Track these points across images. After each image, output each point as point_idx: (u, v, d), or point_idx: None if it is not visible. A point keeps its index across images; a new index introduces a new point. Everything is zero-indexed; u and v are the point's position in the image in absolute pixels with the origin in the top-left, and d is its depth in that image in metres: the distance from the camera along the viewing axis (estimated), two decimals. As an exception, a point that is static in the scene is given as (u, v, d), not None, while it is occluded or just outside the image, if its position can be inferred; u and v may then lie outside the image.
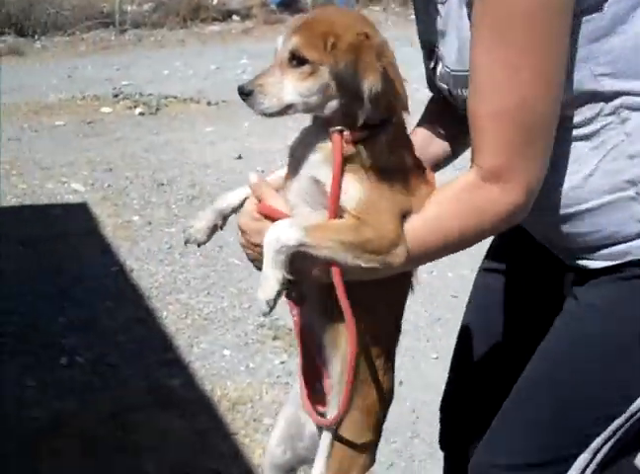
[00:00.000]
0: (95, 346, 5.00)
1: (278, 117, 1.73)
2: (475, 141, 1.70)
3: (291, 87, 1.71)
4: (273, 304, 1.72)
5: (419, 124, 2.34)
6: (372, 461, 2.32)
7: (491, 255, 2.57)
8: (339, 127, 1.72)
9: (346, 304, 1.76)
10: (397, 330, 2.12)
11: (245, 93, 1.72)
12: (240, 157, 8.16)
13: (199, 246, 1.99)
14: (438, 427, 3.94)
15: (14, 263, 5.96)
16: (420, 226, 1.76)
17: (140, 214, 6.82)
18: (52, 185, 7.33)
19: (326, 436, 2.17)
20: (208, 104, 10.24)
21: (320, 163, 1.76)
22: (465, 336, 2.64)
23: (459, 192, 1.74)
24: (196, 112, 9.97)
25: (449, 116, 2.22)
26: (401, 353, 5.11)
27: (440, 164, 2.29)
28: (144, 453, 4.08)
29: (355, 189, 1.71)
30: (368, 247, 1.71)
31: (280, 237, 1.68)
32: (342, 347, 1.91)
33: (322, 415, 2.09)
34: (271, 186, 1.89)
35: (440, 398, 2.72)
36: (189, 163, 7.96)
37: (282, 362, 4.77)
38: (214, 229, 1.99)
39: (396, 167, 1.76)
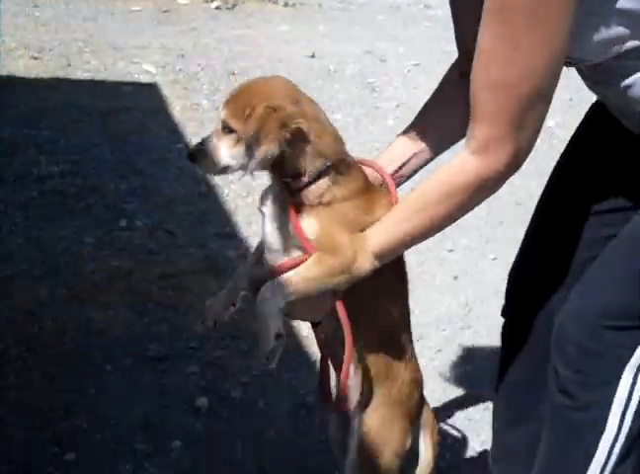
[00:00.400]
0: (154, 213, 5.01)
1: (223, 175, 2.07)
2: (473, 113, 1.79)
3: (224, 153, 1.98)
4: (272, 358, 2.03)
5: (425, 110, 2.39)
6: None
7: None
8: (286, 179, 2.01)
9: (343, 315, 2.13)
10: (404, 318, 2.38)
11: (192, 159, 2.04)
12: (313, 56, 8.03)
13: (215, 325, 2.33)
14: (489, 320, 3.90)
15: (79, 130, 5.95)
16: (402, 215, 2.01)
17: (209, 99, 6.77)
18: (124, 64, 7.31)
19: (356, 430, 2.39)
20: (285, 5, 10.06)
21: (278, 211, 2.08)
22: (543, 206, 2.62)
23: (443, 174, 1.94)
24: (272, 11, 9.82)
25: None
26: (459, 251, 5.09)
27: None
28: (193, 314, 4.06)
29: (309, 227, 1.99)
30: (335, 271, 2.00)
31: (266, 305, 2.00)
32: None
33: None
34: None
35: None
36: (261, 57, 7.86)
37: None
38: (231, 306, 2.32)
39: (345, 197, 2.02)
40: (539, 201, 2.61)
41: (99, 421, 3.39)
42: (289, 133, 1.91)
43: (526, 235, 2.63)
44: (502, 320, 2.78)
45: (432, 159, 2.28)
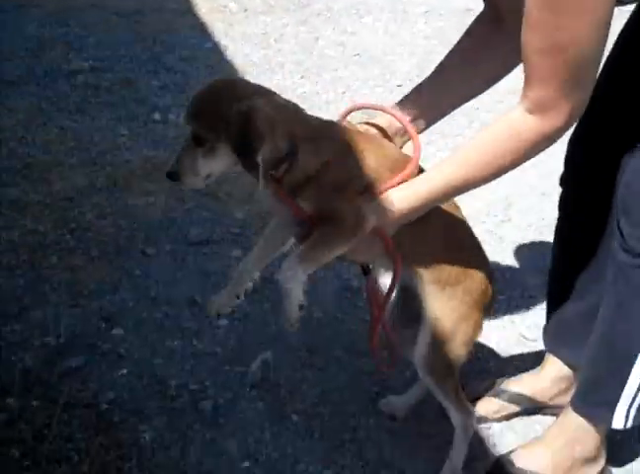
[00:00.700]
0: (187, 108, 4.89)
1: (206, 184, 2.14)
2: (526, 72, 1.88)
3: (201, 164, 2.03)
4: (296, 324, 2.20)
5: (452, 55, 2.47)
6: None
7: None
8: (271, 171, 2.04)
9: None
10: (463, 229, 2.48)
11: (173, 178, 2.09)
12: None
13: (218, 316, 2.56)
14: (529, 215, 3.84)
15: (107, 29, 5.85)
16: (456, 166, 2.15)
17: (236, 2, 6.60)
18: (150, -34, 7.13)
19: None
20: None
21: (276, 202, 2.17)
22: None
23: (498, 130, 2.03)
24: None
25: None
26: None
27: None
28: (233, 202, 4.02)
29: (305, 203, 2.10)
30: (341, 238, 2.14)
31: (288, 279, 2.12)
32: None
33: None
34: None
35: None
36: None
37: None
38: (236, 299, 2.44)
39: (329, 169, 2.12)
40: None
41: (145, 299, 3.37)
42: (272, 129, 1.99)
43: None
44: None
45: (452, 110, 2.44)
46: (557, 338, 2.83)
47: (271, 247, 2.49)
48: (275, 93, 2.20)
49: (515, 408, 2.91)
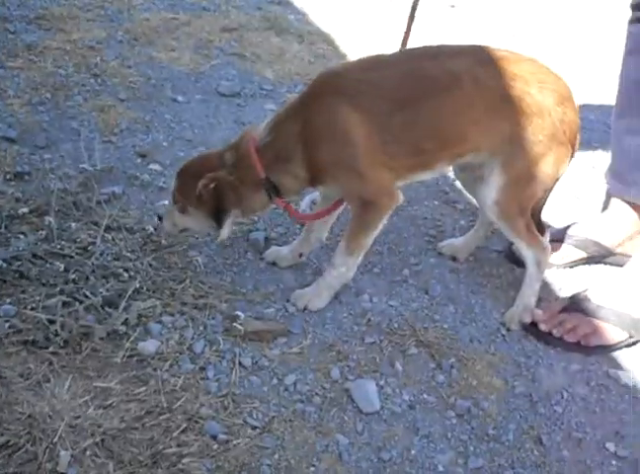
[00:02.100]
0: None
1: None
2: None
3: (176, 220, 2.44)
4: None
5: None
6: None
7: None
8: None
9: None
10: None
11: (160, 220, 2.49)
12: None
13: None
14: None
15: None
16: None
17: None
18: None
19: None
20: None
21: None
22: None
23: None
24: None
25: None
26: None
27: None
28: (261, 63, 3.80)
29: (329, 190, 2.51)
30: (376, 218, 2.41)
31: (342, 277, 2.48)
32: None
33: None
34: None
35: None
36: None
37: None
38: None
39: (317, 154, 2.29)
40: None
41: (180, 140, 3.17)
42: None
43: None
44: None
45: None
46: (622, 178, 2.66)
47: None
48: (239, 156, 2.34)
49: (580, 254, 2.73)
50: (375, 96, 2.21)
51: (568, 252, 2.73)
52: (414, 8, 2.68)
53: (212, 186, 2.28)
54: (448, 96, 2.23)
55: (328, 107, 2.19)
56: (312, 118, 2.20)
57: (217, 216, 2.32)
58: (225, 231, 2.35)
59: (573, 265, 2.76)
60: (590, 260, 2.78)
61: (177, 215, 2.44)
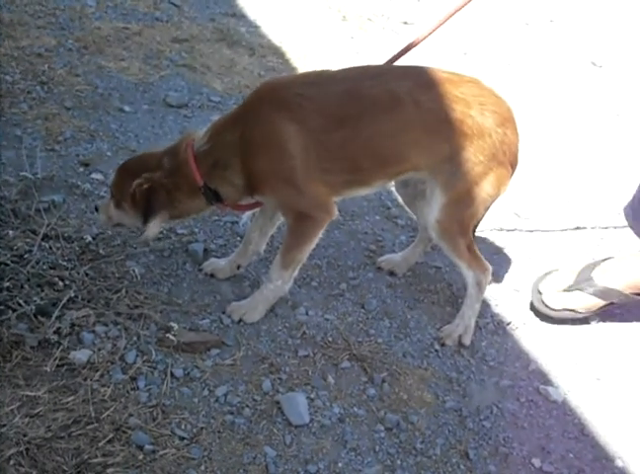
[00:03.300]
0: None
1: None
2: None
3: (111, 213, 2.49)
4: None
5: None
6: None
7: None
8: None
9: None
10: None
11: (96, 209, 2.58)
12: None
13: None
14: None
15: None
16: None
17: None
18: None
19: None
20: None
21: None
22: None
23: None
24: None
25: None
26: None
27: None
28: (210, 75, 3.82)
29: (265, 199, 2.56)
30: (311, 233, 2.46)
31: (279, 291, 2.53)
32: None
33: None
34: None
35: None
36: None
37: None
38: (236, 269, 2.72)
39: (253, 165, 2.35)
40: None
41: (124, 150, 3.21)
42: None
43: None
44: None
45: None
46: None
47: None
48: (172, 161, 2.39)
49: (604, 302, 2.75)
50: (315, 111, 2.23)
51: (592, 301, 2.76)
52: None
53: (146, 187, 2.27)
54: (388, 117, 2.25)
55: (266, 118, 2.21)
56: (250, 129, 2.21)
57: (146, 216, 2.34)
58: (151, 231, 2.37)
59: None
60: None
61: (112, 209, 2.47)
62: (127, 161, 2.46)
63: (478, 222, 2.47)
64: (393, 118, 2.23)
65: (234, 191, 2.27)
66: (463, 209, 2.39)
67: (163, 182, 2.29)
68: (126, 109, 3.42)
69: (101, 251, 2.54)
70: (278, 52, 4.26)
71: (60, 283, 2.38)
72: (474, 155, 2.28)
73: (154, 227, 2.33)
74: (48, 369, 2.08)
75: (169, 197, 2.31)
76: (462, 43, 4.88)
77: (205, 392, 2.14)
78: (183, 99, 3.57)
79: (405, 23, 5.12)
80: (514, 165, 2.37)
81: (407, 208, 2.73)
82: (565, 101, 4.40)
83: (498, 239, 3.04)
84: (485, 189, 2.34)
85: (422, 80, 2.27)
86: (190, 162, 2.22)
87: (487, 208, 2.41)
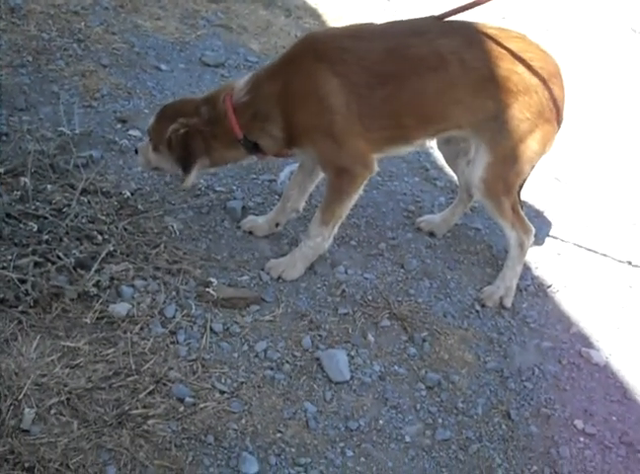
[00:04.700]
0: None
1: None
2: None
3: (150, 156, 2.47)
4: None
5: None
6: None
7: None
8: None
9: None
10: None
11: (135, 151, 2.55)
12: None
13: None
14: None
15: None
16: None
17: None
18: None
19: None
20: None
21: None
22: None
23: None
24: None
25: None
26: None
27: None
28: (247, 35, 3.76)
29: (305, 152, 2.54)
30: (351, 188, 2.41)
31: (318, 248, 2.48)
32: None
33: None
34: None
35: None
36: None
37: None
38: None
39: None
40: None
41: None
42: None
43: None
44: None
45: None
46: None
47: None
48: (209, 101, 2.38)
49: None
50: (358, 66, 2.18)
51: None
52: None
53: (182, 132, 2.26)
54: (433, 76, 2.22)
55: (308, 71, 2.17)
56: (291, 81, 2.18)
57: (184, 163, 2.31)
58: (190, 178, 2.34)
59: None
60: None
61: (150, 153, 2.44)
62: (166, 105, 2.44)
63: (524, 182, 2.41)
64: (438, 77, 2.19)
65: (274, 143, 2.23)
66: (509, 168, 2.32)
67: (200, 129, 2.27)
68: (163, 67, 3.38)
69: (139, 206, 2.51)
70: (314, 14, 4.20)
71: (99, 237, 2.36)
72: (520, 112, 2.22)
73: (193, 174, 2.31)
74: (88, 321, 2.06)
75: (206, 144, 2.28)
76: (501, 7, 4.79)
77: (245, 347, 2.12)
78: (220, 58, 3.53)
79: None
80: (560, 122, 2.31)
81: (448, 167, 2.67)
82: (604, 67, 4.30)
83: (538, 202, 2.97)
84: (531, 146, 2.28)
85: (467, 38, 2.22)
86: (229, 114, 2.19)
87: (533, 167, 2.36)
